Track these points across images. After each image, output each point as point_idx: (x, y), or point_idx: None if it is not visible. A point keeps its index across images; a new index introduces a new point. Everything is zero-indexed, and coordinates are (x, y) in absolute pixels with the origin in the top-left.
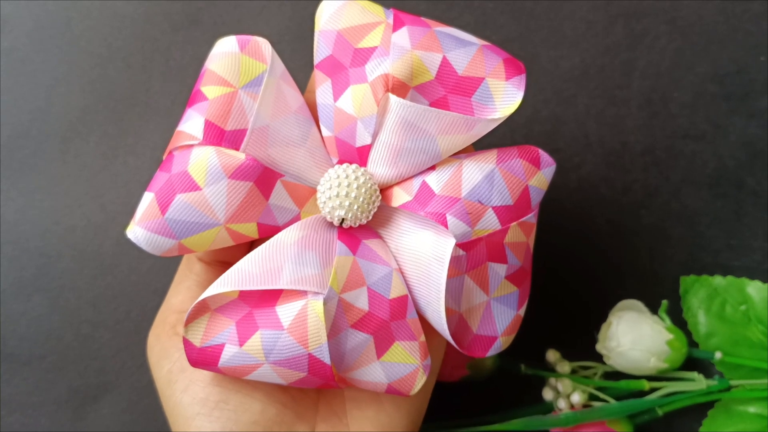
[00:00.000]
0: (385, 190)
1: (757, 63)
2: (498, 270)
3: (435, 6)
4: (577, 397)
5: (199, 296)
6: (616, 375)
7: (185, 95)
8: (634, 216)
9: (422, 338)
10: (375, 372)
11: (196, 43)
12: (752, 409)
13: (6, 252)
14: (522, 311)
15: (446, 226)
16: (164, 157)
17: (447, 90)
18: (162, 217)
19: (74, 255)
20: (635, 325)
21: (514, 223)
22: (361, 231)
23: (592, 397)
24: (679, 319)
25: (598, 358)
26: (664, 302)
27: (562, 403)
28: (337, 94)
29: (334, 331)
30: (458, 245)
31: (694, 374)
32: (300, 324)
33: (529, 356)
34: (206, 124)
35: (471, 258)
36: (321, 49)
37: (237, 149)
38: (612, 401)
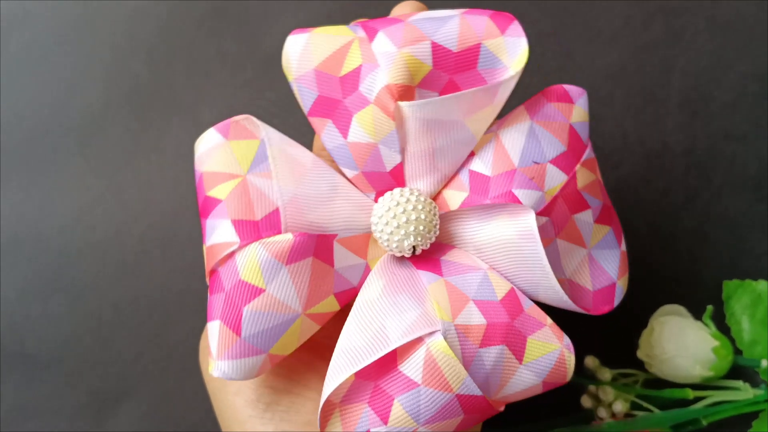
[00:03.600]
0: (435, 198)
1: None
2: (585, 219)
3: (464, 2)
4: (619, 406)
5: None
6: (657, 383)
7: (209, 90)
8: (674, 219)
9: (549, 321)
10: (525, 378)
11: (220, 36)
12: None
13: (25, 250)
14: (624, 246)
15: (518, 201)
16: (208, 282)
17: (450, 73)
18: (240, 339)
19: (95, 254)
20: (679, 331)
21: (578, 165)
22: (433, 251)
23: (634, 406)
24: (720, 326)
25: (638, 365)
26: (709, 308)
27: (602, 412)
28: (343, 130)
29: (467, 361)
30: (538, 213)
31: (740, 383)
32: (433, 371)
33: None
34: (235, 224)
35: (555, 220)
36: (306, 96)
37: (279, 232)
38: (656, 410)
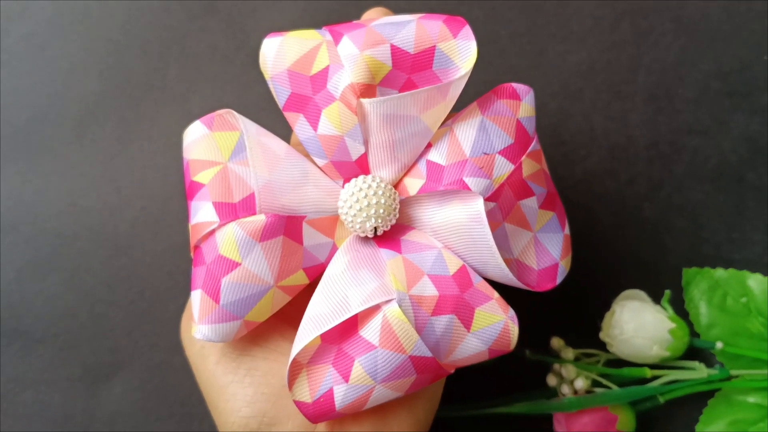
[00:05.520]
0: (397, 185)
1: (759, 61)
2: (530, 204)
3: (446, 2)
4: (580, 383)
5: None
6: (619, 363)
7: (200, 82)
8: (637, 208)
9: (496, 295)
10: (472, 344)
11: (211, 31)
12: (751, 398)
13: (23, 232)
14: (567, 230)
15: (468, 188)
16: (192, 255)
17: (408, 72)
18: (218, 306)
19: (89, 236)
20: (638, 313)
21: (524, 156)
22: (395, 231)
23: (595, 384)
24: (680, 310)
25: (602, 346)
26: (667, 292)
27: (565, 389)
28: (314, 124)
29: (419, 327)
30: (486, 199)
31: (695, 363)
32: (388, 335)
33: (534, 343)
34: (215, 205)
35: (502, 206)
36: (280, 93)
37: (254, 214)
38: (615, 387)
